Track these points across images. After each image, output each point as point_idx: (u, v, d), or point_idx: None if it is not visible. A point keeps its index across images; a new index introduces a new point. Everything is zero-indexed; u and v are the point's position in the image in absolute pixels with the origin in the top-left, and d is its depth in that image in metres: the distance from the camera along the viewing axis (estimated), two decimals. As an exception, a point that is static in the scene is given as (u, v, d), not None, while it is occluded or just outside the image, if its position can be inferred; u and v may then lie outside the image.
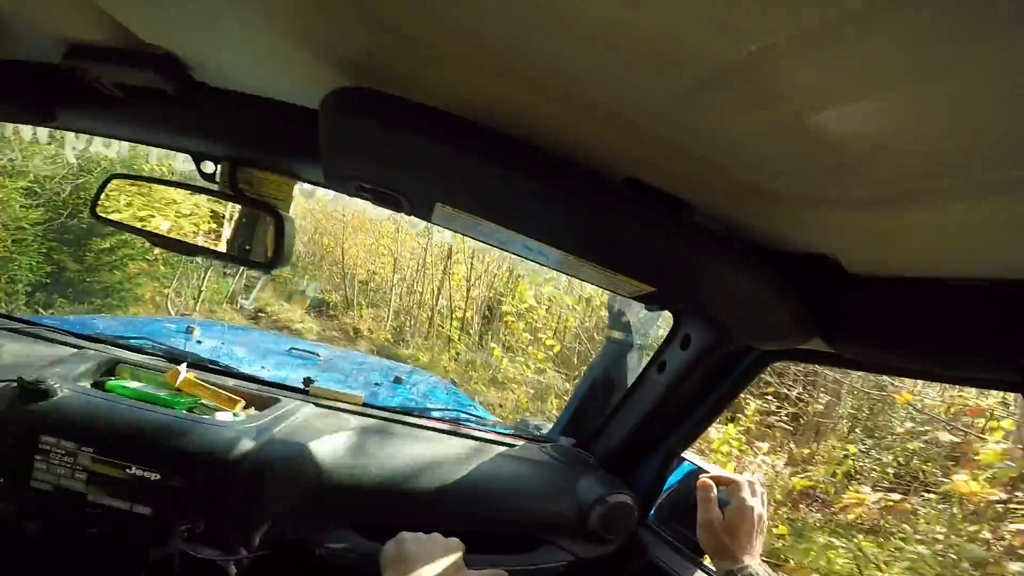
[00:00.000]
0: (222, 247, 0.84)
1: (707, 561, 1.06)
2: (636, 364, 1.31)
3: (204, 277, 6.62)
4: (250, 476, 0.85)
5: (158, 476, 0.82)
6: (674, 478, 1.25)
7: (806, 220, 0.57)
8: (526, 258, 0.76)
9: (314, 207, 10.93)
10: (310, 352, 2.08)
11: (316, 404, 1.11)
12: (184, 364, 1.03)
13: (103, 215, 0.84)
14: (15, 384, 0.83)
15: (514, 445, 1.21)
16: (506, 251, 0.77)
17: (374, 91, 0.51)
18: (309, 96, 0.64)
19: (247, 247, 0.83)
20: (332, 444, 0.96)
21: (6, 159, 4.43)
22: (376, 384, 1.89)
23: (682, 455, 1.22)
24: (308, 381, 1.22)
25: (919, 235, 0.51)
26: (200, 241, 0.83)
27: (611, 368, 1.32)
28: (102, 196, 0.83)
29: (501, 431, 1.32)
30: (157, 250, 5.37)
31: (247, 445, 0.87)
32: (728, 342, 0.98)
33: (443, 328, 8.34)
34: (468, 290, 8.25)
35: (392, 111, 0.50)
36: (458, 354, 7.45)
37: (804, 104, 0.36)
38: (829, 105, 0.35)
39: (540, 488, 1.08)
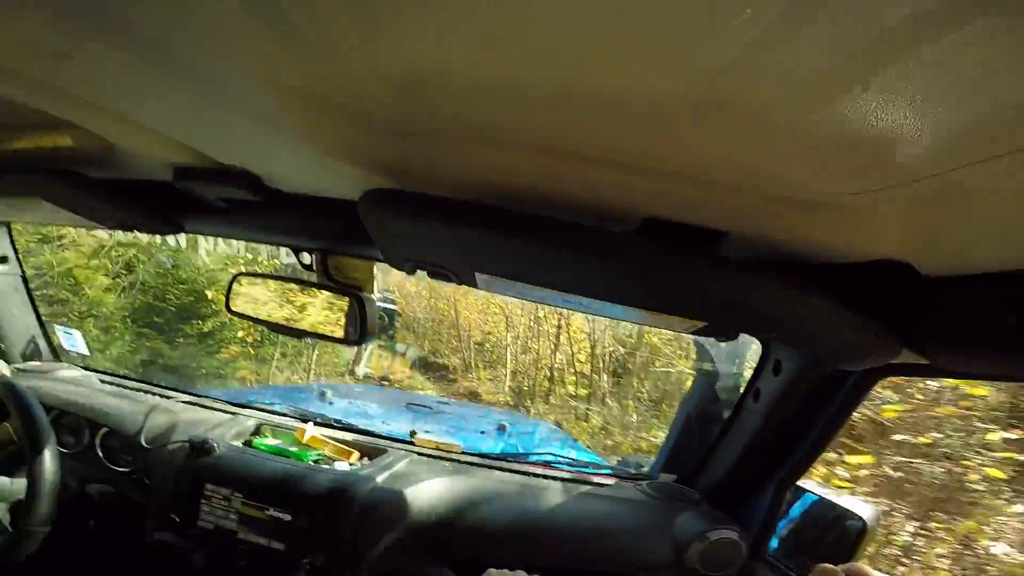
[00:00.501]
0: (326, 329, 1.01)
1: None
2: (731, 394, 1.24)
3: (312, 356, 7.05)
4: (360, 517, 0.98)
5: (290, 517, 0.99)
6: (797, 509, 1.13)
7: (856, 225, 0.53)
8: (570, 309, 0.81)
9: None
10: (424, 405, 2.27)
11: (419, 453, 1.23)
12: (311, 423, 1.22)
13: (235, 310, 1.07)
14: (187, 443, 1.06)
15: (607, 484, 1.20)
16: (550, 305, 0.82)
17: (397, 191, 0.61)
18: (359, 193, 0.78)
19: (342, 327, 1.00)
20: (430, 489, 1.06)
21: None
22: (481, 432, 1.99)
23: (801, 485, 1.11)
24: (413, 433, 1.35)
25: (989, 223, 0.45)
26: (306, 326, 1.01)
27: (705, 400, 1.26)
28: (231, 294, 1.06)
29: (594, 471, 1.31)
30: (253, 333, 5.52)
31: (358, 490, 1.00)
32: (820, 365, 0.91)
33: (561, 388, 7.69)
34: (593, 346, 7.46)
35: (414, 206, 0.60)
36: (587, 419, 6.74)
37: (806, 103, 0.34)
38: (830, 100, 0.33)
39: (631, 526, 1.06)
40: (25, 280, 1.45)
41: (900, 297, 0.60)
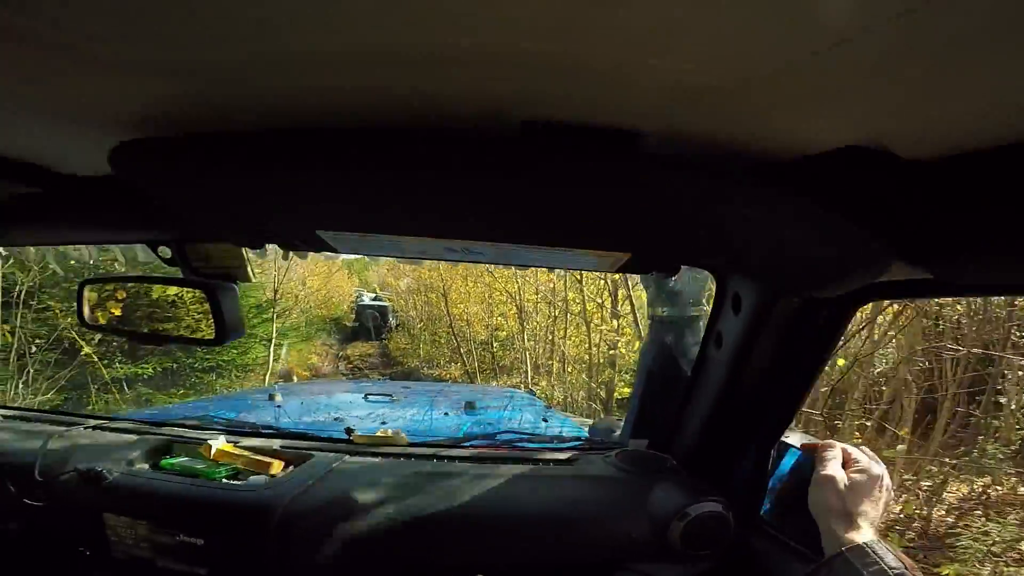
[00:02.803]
0: (196, 331, 0.84)
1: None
2: (693, 340, 1.10)
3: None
4: (279, 536, 0.84)
5: (202, 542, 0.86)
6: (786, 465, 1.02)
7: (802, 106, 0.38)
8: (458, 261, 0.64)
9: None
10: (384, 394, 2.12)
11: (357, 452, 1.08)
12: (222, 436, 1.06)
13: (91, 323, 0.88)
14: (75, 473, 0.92)
15: (574, 461, 1.07)
16: (432, 260, 0.66)
17: (163, 139, 0.43)
18: None
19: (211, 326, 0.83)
20: (366, 492, 0.91)
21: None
22: (445, 414, 1.85)
23: (785, 440, 0.99)
24: (349, 431, 1.19)
25: (973, 83, 0.31)
26: (171, 330, 0.85)
27: (665, 351, 1.13)
28: (84, 305, 0.87)
29: (560, 446, 1.18)
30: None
31: (273, 505, 0.86)
32: (786, 293, 0.77)
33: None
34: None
35: (188, 150, 0.43)
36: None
37: None
38: None
39: (602, 508, 0.93)
40: None
41: (880, 192, 0.45)
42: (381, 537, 0.86)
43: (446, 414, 1.86)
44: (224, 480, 0.95)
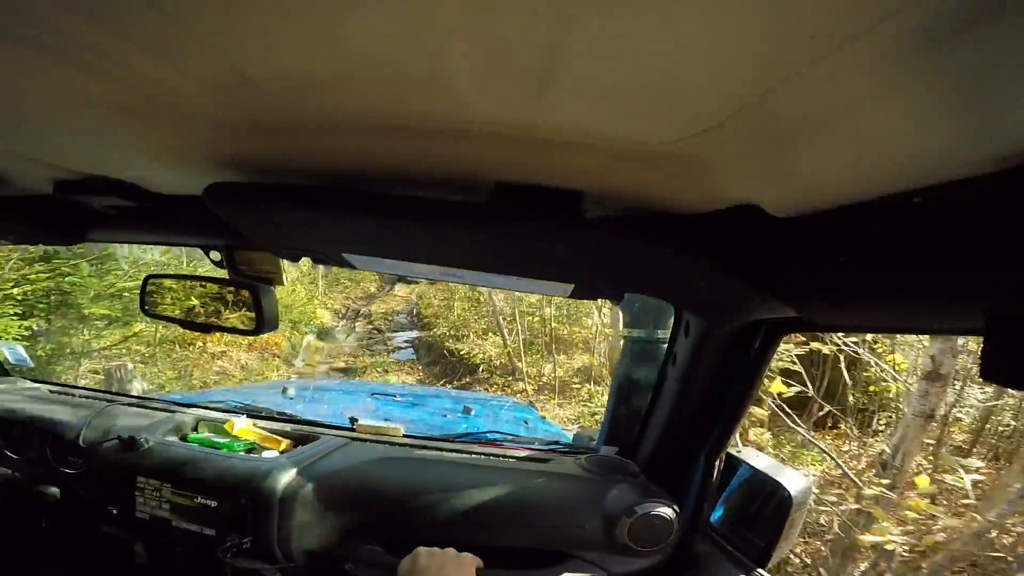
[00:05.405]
0: (234, 323, 1.01)
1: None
2: (659, 360, 1.23)
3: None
4: (283, 499, 0.98)
5: (216, 503, 1.01)
6: (737, 479, 1.12)
7: (698, 172, 0.49)
8: (446, 281, 0.80)
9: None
10: (388, 394, 2.27)
11: (359, 439, 1.22)
12: (243, 416, 1.22)
13: (150, 311, 1.06)
14: (116, 440, 1.09)
15: (548, 460, 1.20)
16: (427, 279, 0.81)
17: (236, 184, 0.60)
18: None
19: (249, 319, 1.00)
20: (360, 471, 1.06)
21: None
22: (443, 415, 2.00)
23: (735, 454, 1.10)
24: (353, 420, 1.34)
25: (816, 152, 0.40)
26: (218, 321, 1.01)
27: (634, 368, 1.26)
28: (146, 296, 1.05)
29: (539, 447, 1.31)
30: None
31: (282, 474, 1.01)
32: (716, 323, 0.89)
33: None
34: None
35: (259, 197, 0.60)
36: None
37: (617, 61, 0.31)
38: (629, 55, 0.30)
39: (563, 501, 1.06)
40: None
41: (756, 243, 0.57)
42: (372, 509, 1.01)
43: (444, 416, 2.00)
44: (241, 453, 1.10)
